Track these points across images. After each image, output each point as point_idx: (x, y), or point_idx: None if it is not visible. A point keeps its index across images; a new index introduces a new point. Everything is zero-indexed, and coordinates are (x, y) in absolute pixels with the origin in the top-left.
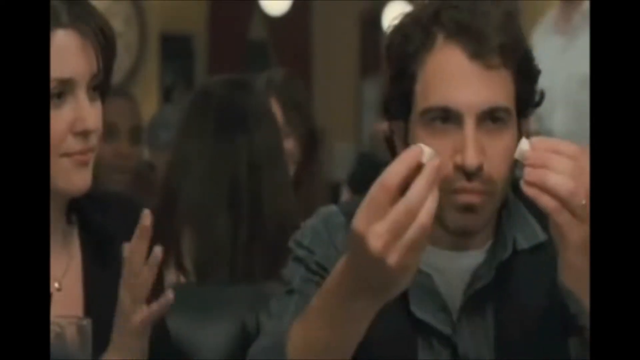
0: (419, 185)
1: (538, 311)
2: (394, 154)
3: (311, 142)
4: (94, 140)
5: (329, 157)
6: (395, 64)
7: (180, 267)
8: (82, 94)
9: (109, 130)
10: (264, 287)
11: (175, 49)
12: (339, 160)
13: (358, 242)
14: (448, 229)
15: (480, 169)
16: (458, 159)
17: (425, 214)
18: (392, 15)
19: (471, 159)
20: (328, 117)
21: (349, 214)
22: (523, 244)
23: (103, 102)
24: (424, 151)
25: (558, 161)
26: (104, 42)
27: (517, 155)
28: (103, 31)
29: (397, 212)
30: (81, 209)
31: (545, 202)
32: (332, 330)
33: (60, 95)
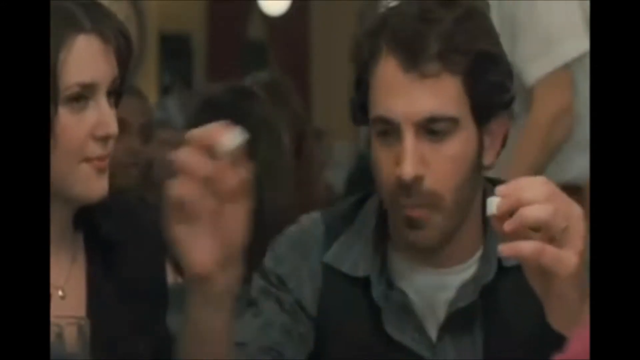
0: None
1: (527, 330)
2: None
3: (302, 140)
4: (112, 146)
5: (328, 157)
6: (356, 72)
7: (176, 268)
8: (103, 99)
9: (119, 127)
10: None
11: (174, 49)
12: (338, 160)
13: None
14: (404, 246)
15: (418, 180)
16: (397, 172)
17: None
18: None
19: (407, 171)
20: (327, 117)
21: (329, 224)
22: (509, 261)
23: (116, 106)
24: None
25: (529, 193)
26: (122, 46)
27: (488, 212)
28: (122, 35)
29: None
30: (88, 214)
31: (526, 250)
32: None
33: (81, 100)
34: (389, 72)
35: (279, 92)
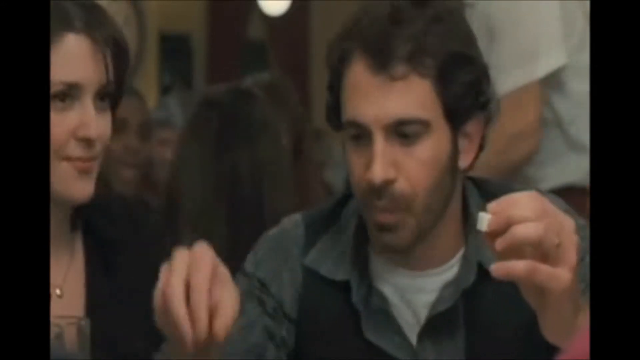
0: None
1: (510, 334)
2: None
3: (302, 142)
4: (97, 149)
5: (328, 157)
6: (329, 77)
7: None
8: (88, 101)
9: (118, 126)
10: None
11: (173, 49)
12: (338, 160)
13: None
14: (379, 248)
15: (389, 184)
16: (368, 175)
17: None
18: None
19: (377, 174)
20: None
21: (309, 226)
22: (490, 264)
23: (114, 111)
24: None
25: (520, 210)
26: (115, 52)
27: (479, 226)
28: (116, 41)
29: None
30: (86, 214)
31: (518, 270)
32: None
33: (66, 99)
34: (358, 75)
35: (279, 93)
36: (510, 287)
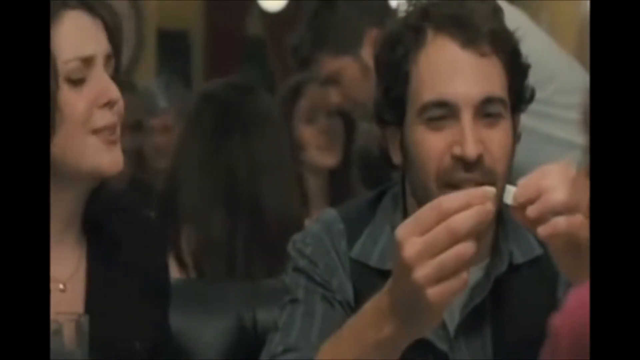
0: (469, 214)
1: (536, 326)
2: (388, 161)
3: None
4: (119, 112)
5: None
6: (387, 69)
7: (181, 264)
8: (101, 70)
9: None
10: (262, 283)
11: (172, 45)
12: None
13: (396, 250)
14: None
15: (479, 159)
16: (457, 150)
17: (466, 246)
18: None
19: (471, 149)
20: None
21: (348, 220)
22: (519, 258)
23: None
24: (490, 191)
25: (549, 181)
26: (112, 26)
27: (505, 199)
28: (111, 16)
29: (439, 230)
30: (90, 210)
31: (562, 225)
32: (361, 352)
33: (81, 73)
34: (444, 52)
35: None
36: (536, 281)
